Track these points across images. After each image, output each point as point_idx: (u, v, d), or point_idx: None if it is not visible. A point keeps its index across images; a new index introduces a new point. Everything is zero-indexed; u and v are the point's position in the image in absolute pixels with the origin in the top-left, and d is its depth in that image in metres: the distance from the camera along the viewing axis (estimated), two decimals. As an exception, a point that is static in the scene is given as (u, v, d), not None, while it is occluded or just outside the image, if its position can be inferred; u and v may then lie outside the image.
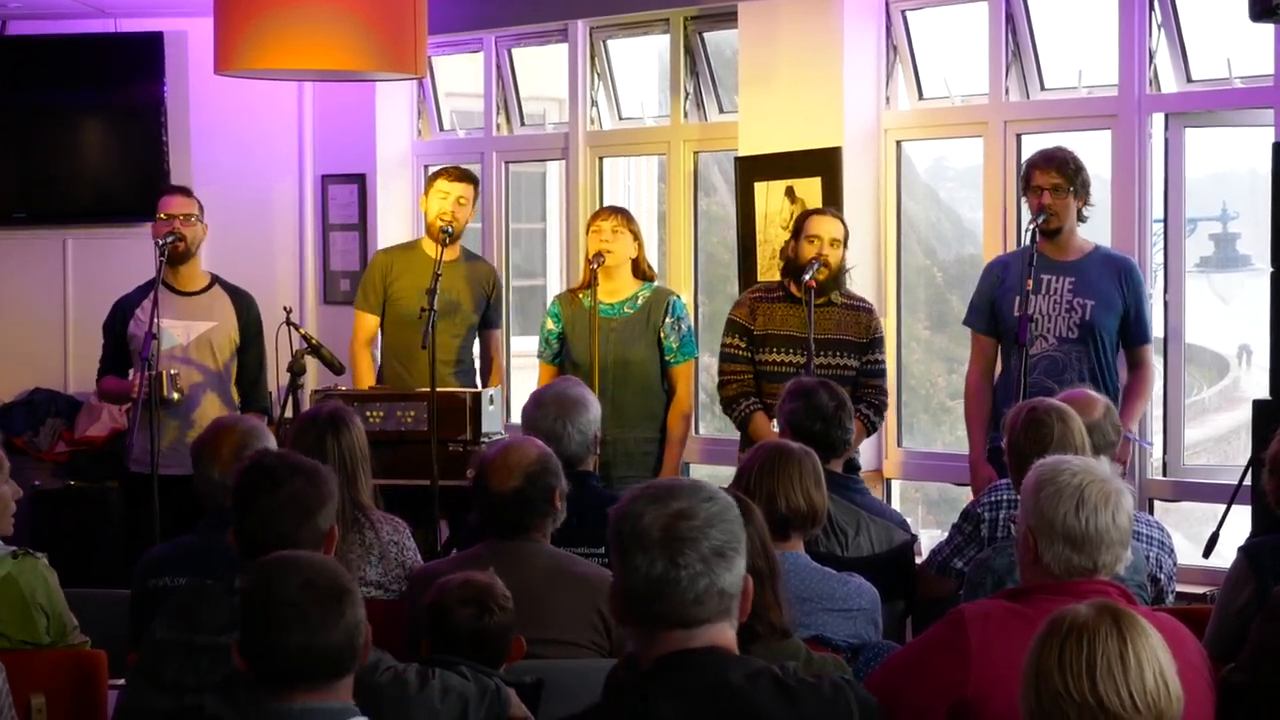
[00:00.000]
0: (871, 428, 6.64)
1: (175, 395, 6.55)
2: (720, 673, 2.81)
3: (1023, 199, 6.42)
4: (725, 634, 2.87)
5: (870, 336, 6.61)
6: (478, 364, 7.43)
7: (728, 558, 2.84)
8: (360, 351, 7.34)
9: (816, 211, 6.75)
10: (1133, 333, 6.28)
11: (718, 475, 7.83)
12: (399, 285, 7.22)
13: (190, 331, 6.76)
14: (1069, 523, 3.46)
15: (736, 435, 7.46)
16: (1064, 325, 6.24)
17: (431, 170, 8.10)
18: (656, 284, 7.15)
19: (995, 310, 6.37)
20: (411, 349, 6.83)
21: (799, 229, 6.63)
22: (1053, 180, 6.20)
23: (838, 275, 6.57)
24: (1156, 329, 6.63)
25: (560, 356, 7.09)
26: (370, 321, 7.32)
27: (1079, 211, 6.27)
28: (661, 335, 6.99)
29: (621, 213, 7.08)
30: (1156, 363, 6.51)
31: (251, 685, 3.07)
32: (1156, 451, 6.68)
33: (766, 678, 2.85)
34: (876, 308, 6.85)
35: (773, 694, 2.83)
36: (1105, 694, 2.69)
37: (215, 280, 6.91)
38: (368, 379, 7.20)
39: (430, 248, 7.01)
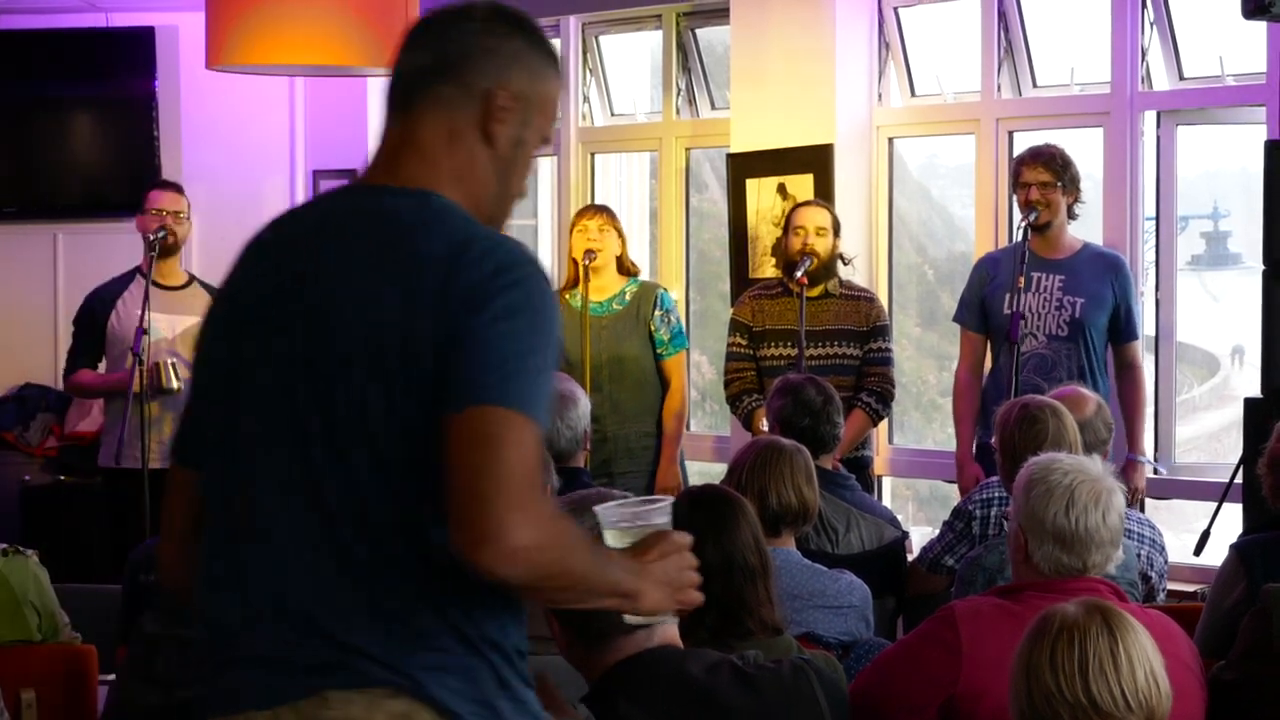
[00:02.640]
0: (877, 417, 6.59)
1: (176, 385, 6.51)
2: (678, 668, 2.79)
3: (1013, 196, 6.42)
4: (673, 629, 2.84)
5: (872, 325, 6.58)
6: None
7: None
8: None
9: (802, 204, 6.76)
10: (1122, 330, 6.27)
11: (711, 471, 7.83)
12: None
13: (175, 325, 6.74)
14: (1059, 522, 3.46)
15: (729, 432, 7.47)
16: (1054, 323, 6.23)
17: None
18: (642, 278, 7.15)
19: (985, 307, 6.36)
20: None
21: (786, 223, 6.65)
22: (1040, 177, 6.20)
23: (829, 264, 6.56)
24: (1148, 327, 6.63)
25: (551, 355, 7.07)
26: None
27: (1070, 208, 6.27)
28: (652, 328, 6.97)
29: (605, 210, 7.08)
30: (1146, 361, 6.51)
31: None
32: (1149, 448, 6.67)
33: (726, 668, 2.83)
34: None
35: (734, 684, 2.81)
36: (1098, 693, 2.70)
37: (193, 279, 6.91)
38: None
39: None
